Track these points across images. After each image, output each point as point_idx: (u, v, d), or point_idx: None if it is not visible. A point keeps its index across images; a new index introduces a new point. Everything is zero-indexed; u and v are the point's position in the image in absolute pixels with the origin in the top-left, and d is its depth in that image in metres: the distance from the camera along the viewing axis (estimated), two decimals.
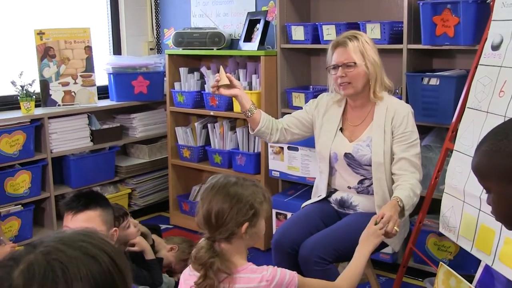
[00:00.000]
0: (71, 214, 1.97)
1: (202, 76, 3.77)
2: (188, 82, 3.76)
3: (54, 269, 0.76)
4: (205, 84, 3.69)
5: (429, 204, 2.41)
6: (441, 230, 2.31)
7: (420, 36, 2.72)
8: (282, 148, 3.22)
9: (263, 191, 1.67)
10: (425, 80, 2.70)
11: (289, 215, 3.12)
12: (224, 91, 2.34)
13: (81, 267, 0.78)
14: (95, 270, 0.79)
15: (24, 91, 3.36)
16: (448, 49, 2.70)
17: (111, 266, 0.81)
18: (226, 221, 1.57)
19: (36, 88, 3.48)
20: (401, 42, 2.82)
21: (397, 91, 2.88)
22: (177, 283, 2.82)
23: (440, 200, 2.32)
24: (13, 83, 3.36)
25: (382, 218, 1.95)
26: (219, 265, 1.55)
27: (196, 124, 3.79)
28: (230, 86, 2.33)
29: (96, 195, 2.15)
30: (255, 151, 3.49)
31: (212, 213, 1.58)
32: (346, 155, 2.31)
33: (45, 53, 3.59)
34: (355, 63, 2.24)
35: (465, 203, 2.13)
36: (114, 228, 2.11)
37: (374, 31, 2.85)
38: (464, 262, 2.66)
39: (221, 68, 2.36)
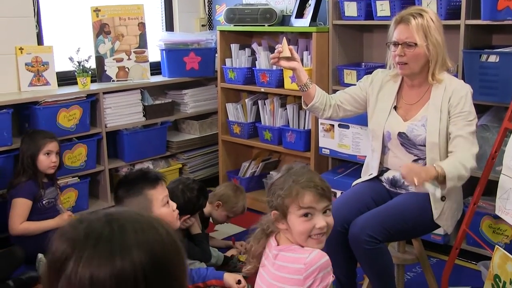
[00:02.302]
0: (164, 185, 2.07)
1: (253, 53, 3.77)
2: (239, 59, 3.77)
3: (111, 224, 0.80)
4: (256, 60, 3.68)
5: (485, 186, 2.35)
6: (497, 212, 2.25)
7: (479, 11, 2.61)
8: (332, 125, 3.20)
9: (298, 187, 1.66)
10: (484, 57, 2.60)
11: (338, 193, 3.11)
12: (284, 63, 2.32)
13: (136, 227, 0.81)
14: (151, 233, 0.82)
15: (81, 67, 3.46)
16: (510, 24, 2.59)
17: (165, 236, 0.83)
18: (269, 193, 1.73)
19: (92, 64, 3.58)
20: (458, 18, 2.72)
21: (453, 69, 2.79)
22: (226, 258, 2.90)
23: (497, 181, 2.25)
24: (70, 59, 3.46)
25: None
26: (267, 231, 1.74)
27: (246, 100, 3.81)
28: (290, 58, 2.32)
29: (146, 170, 2.23)
30: (305, 128, 3.47)
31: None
32: (400, 134, 2.27)
33: (101, 30, 3.67)
34: (415, 43, 2.15)
35: None
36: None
37: (430, 6, 2.76)
38: None
39: (284, 40, 2.34)
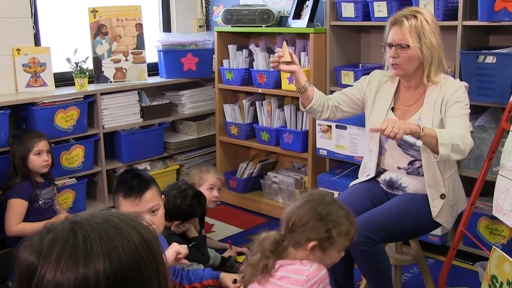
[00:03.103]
0: (136, 201, 2.04)
1: (250, 54, 3.76)
2: (236, 60, 3.77)
3: (76, 234, 0.80)
4: (254, 61, 3.68)
5: (482, 186, 2.35)
6: (494, 213, 2.25)
7: (476, 11, 2.62)
8: (330, 126, 3.20)
9: (351, 227, 1.69)
10: (481, 58, 2.60)
11: (336, 194, 3.11)
12: (284, 67, 2.33)
13: (102, 234, 0.80)
14: (118, 239, 0.80)
15: (78, 68, 3.45)
16: (507, 25, 2.59)
17: (138, 241, 0.82)
18: (298, 229, 1.66)
19: (89, 65, 3.57)
20: (455, 19, 2.72)
21: (450, 70, 2.79)
22: (223, 258, 2.89)
23: (494, 182, 2.25)
24: (68, 60, 3.45)
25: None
26: (270, 263, 1.67)
27: (244, 101, 3.81)
28: (290, 62, 2.32)
29: (143, 174, 2.21)
30: (303, 129, 3.47)
31: (292, 216, 1.68)
32: None
33: (98, 31, 3.67)
34: (408, 45, 2.15)
35: None
36: (162, 196, 2.19)
37: (427, 7, 2.76)
38: None
39: (284, 44, 2.34)
